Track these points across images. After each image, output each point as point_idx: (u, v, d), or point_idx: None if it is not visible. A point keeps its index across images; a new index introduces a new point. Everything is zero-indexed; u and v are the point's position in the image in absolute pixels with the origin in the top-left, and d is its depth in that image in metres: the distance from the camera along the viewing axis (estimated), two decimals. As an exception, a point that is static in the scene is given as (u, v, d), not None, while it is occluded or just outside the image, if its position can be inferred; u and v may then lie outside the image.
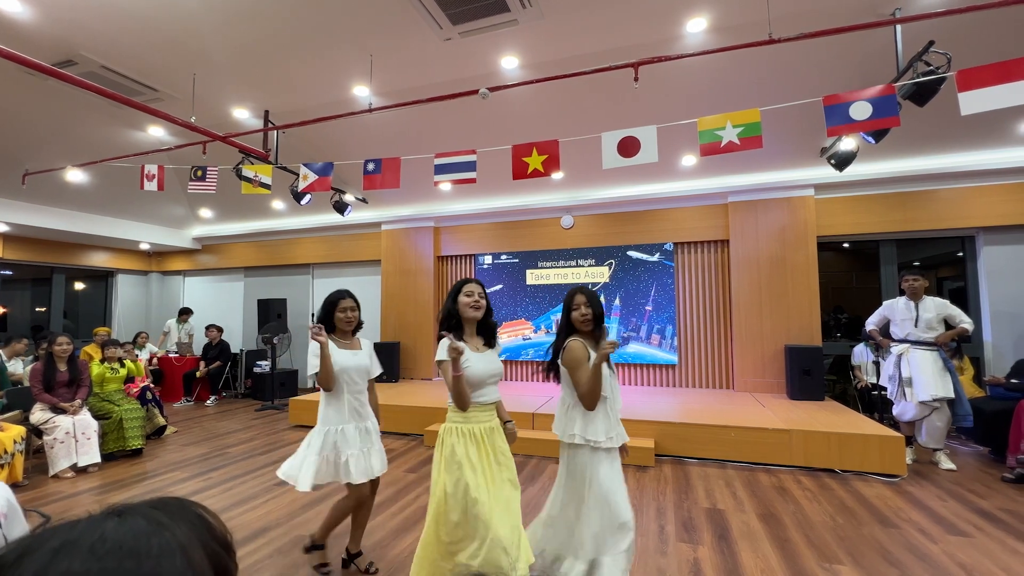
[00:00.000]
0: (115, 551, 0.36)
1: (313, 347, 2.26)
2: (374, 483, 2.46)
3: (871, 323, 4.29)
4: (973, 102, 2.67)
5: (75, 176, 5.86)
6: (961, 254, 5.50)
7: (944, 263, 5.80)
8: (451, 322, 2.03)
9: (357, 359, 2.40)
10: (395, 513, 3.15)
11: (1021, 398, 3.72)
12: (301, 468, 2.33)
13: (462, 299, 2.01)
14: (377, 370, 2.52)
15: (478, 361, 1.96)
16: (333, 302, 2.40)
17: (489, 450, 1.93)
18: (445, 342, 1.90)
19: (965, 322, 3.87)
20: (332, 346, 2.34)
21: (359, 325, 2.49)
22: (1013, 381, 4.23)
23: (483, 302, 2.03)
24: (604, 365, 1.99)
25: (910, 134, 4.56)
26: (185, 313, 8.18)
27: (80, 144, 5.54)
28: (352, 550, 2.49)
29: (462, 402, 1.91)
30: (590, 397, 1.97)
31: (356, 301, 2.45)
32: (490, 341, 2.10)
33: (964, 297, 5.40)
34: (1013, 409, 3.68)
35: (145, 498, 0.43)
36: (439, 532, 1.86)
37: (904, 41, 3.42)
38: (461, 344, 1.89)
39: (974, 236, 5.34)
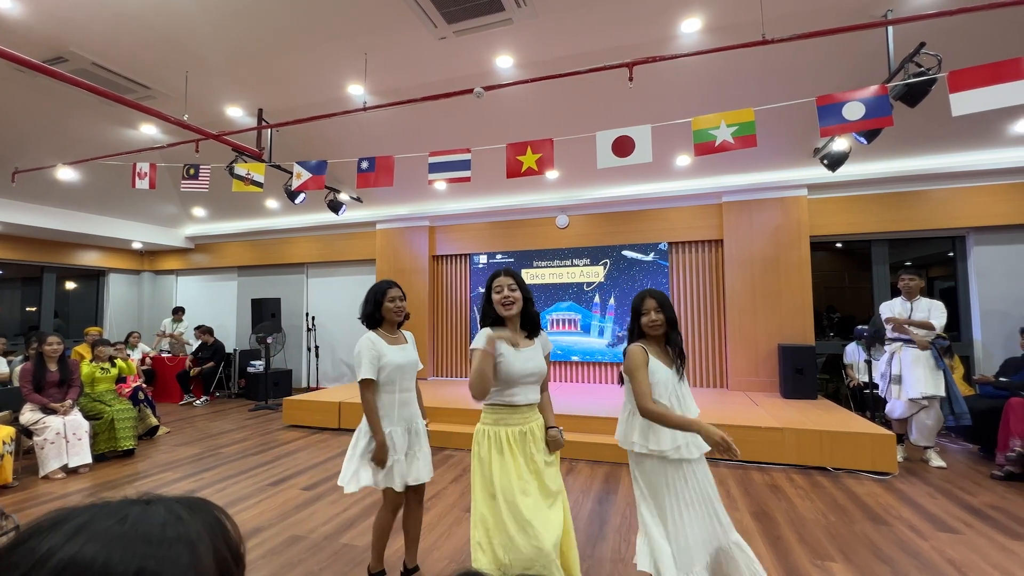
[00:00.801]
0: (129, 535, 0.38)
1: (367, 353, 2.15)
2: (419, 490, 2.32)
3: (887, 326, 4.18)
4: (964, 103, 2.69)
5: (66, 174, 5.80)
6: (952, 254, 5.55)
7: (935, 263, 5.85)
8: (487, 321, 1.92)
9: (406, 354, 2.25)
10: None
11: (1010, 396, 3.76)
12: (347, 470, 2.18)
13: (493, 297, 1.88)
14: (419, 364, 2.39)
15: (514, 359, 1.82)
16: (382, 291, 2.23)
17: (520, 456, 1.80)
18: (486, 331, 1.82)
19: (935, 318, 3.89)
20: (383, 345, 2.19)
21: (406, 316, 2.34)
22: (1002, 379, 4.27)
23: (515, 295, 1.86)
24: (671, 372, 1.90)
25: (902, 135, 4.59)
26: (179, 312, 8.15)
27: (71, 142, 5.49)
28: (409, 565, 2.37)
29: (478, 388, 1.76)
30: (644, 413, 1.85)
31: (402, 290, 2.32)
32: (533, 334, 1.94)
33: (955, 297, 5.45)
34: (1002, 407, 3.72)
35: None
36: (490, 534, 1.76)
37: (896, 42, 3.45)
38: (504, 333, 1.81)
39: (965, 236, 5.39)
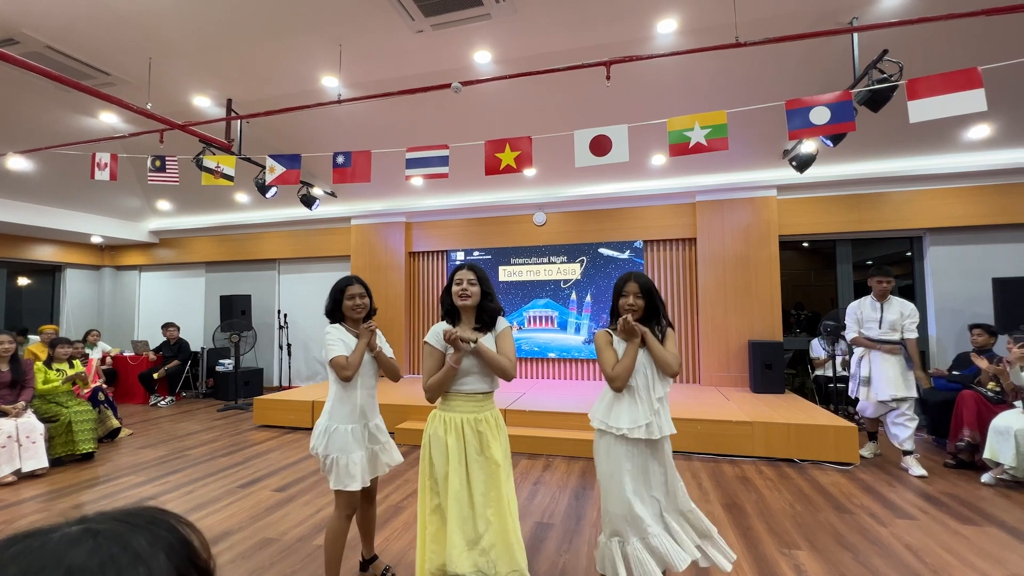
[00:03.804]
0: None
1: (336, 334, 2.14)
2: (371, 489, 2.28)
3: (851, 332, 4.13)
4: (921, 111, 2.82)
5: (17, 163, 5.49)
6: (909, 254, 5.81)
7: (894, 262, 6.12)
8: (443, 310, 2.06)
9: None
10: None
11: (962, 389, 3.96)
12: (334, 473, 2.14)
13: (453, 288, 1.98)
14: (388, 351, 2.32)
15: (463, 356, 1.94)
16: (340, 289, 2.22)
17: (467, 443, 1.91)
18: (440, 326, 1.96)
19: (909, 332, 3.84)
20: (348, 336, 2.17)
21: (371, 313, 2.30)
22: (955, 373, 4.50)
23: (472, 288, 1.95)
24: (640, 352, 1.93)
25: (865, 139, 4.77)
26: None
27: (23, 129, 5.18)
28: (366, 555, 2.38)
29: (433, 391, 1.93)
30: (612, 381, 1.94)
31: (366, 287, 2.27)
32: (487, 327, 2.00)
33: (912, 294, 5.72)
34: (954, 399, 3.91)
35: (118, 505, 0.40)
36: (424, 523, 1.94)
37: (861, 49, 3.58)
38: (455, 330, 1.90)
39: (921, 237, 5.66)
